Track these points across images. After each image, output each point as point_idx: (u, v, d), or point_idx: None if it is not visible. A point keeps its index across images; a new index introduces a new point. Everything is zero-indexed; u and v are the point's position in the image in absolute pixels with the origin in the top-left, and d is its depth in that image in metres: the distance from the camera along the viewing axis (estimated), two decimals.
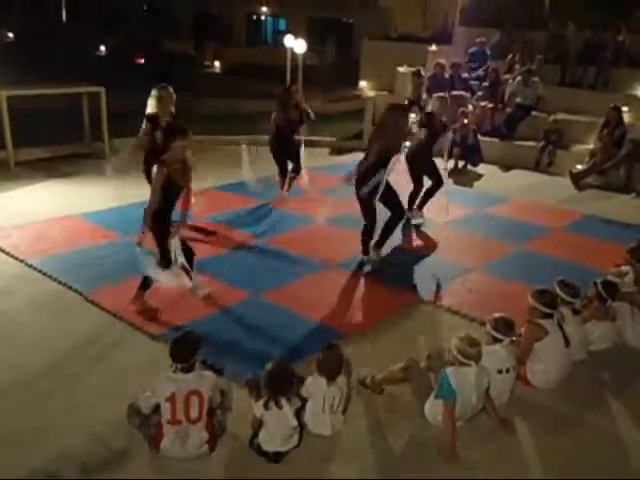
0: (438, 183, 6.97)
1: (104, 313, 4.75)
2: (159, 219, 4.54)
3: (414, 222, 6.98)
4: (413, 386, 3.76)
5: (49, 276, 5.32)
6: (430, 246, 6.47)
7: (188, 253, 4.81)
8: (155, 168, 4.58)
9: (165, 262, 4.63)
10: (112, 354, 4.22)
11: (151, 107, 5.93)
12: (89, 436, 3.36)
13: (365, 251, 5.77)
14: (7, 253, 5.77)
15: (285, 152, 7.51)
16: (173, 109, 6.05)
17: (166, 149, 4.46)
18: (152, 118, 5.89)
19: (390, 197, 5.66)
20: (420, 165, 6.80)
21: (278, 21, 29.60)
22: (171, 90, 5.98)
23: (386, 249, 5.95)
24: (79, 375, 3.95)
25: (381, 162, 5.44)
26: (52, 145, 9.22)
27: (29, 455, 3.22)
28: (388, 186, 5.61)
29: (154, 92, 5.93)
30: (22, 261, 5.60)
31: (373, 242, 5.79)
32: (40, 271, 5.40)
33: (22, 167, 8.61)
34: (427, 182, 7.01)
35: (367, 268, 5.71)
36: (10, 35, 28.05)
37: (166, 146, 4.47)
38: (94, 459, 3.21)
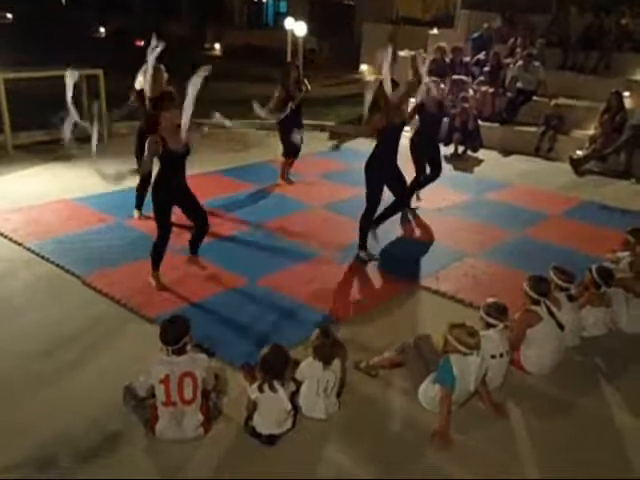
0: (435, 173, 6.93)
1: (101, 296, 4.77)
2: (160, 190, 4.62)
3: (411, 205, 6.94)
4: (408, 370, 3.79)
5: (47, 259, 5.33)
6: (428, 232, 6.47)
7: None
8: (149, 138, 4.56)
9: (163, 232, 4.72)
10: (108, 337, 4.25)
11: (139, 83, 5.89)
12: (85, 419, 3.39)
13: (362, 245, 5.64)
14: (5, 236, 5.78)
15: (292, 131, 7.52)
16: (164, 86, 5.91)
17: (159, 118, 4.53)
18: (139, 92, 5.86)
19: (397, 183, 5.64)
20: (419, 152, 6.74)
21: (279, 4, 29.34)
22: (162, 67, 5.90)
23: (383, 236, 5.95)
24: (75, 358, 3.98)
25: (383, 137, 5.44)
26: (50, 128, 9.17)
27: (25, 439, 3.25)
28: (398, 171, 5.58)
29: (150, 70, 5.79)
30: (20, 244, 5.61)
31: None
32: (38, 254, 5.42)
33: (20, 150, 8.60)
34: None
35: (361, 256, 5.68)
36: (9, 16, 27.83)
37: (159, 115, 4.53)
38: (90, 443, 3.24)
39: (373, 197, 5.52)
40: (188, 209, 4.93)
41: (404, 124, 5.68)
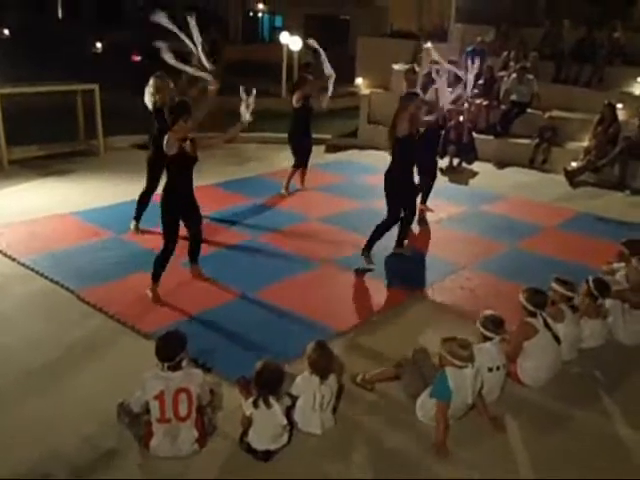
0: (422, 185, 6.96)
1: (96, 311, 4.74)
2: (170, 199, 4.68)
3: None
4: (404, 384, 3.77)
5: (41, 274, 5.31)
6: (424, 243, 6.47)
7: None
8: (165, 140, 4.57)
9: (169, 245, 4.78)
10: (103, 352, 4.22)
11: (149, 98, 5.86)
12: (79, 436, 3.36)
13: (369, 247, 5.70)
14: (0, 251, 5.76)
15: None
16: (174, 96, 5.81)
17: (175, 127, 4.54)
18: (158, 110, 5.78)
19: (408, 198, 5.79)
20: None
21: (275, 18, 29.57)
22: (168, 79, 5.89)
23: (380, 247, 5.94)
24: (70, 374, 3.95)
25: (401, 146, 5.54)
26: (46, 143, 9.19)
27: (17, 456, 3.21)
28: (411, 185, 5.75)
29: (151, 81, 5.86)
30: (14, 259, 5.58)
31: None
32: (32, 269, 5.39)
33: (16, 165, 8.58)
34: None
35: (361, 266, 5.68)
36: (6, 32, 27.95)
37: (174, 125, 4.54)
38: (84, 460, 3.21)
39: (394, 208, 5.71)
40: (190, 218, 4.97)
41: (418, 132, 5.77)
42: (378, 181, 5.90)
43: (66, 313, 4.73)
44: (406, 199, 5.79)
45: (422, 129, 5.80)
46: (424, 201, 7.22)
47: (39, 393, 3.74)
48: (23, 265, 5.47)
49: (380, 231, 5.72)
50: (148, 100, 5.85)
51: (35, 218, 6.61)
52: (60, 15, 31.00)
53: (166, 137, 4.53)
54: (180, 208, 4.79)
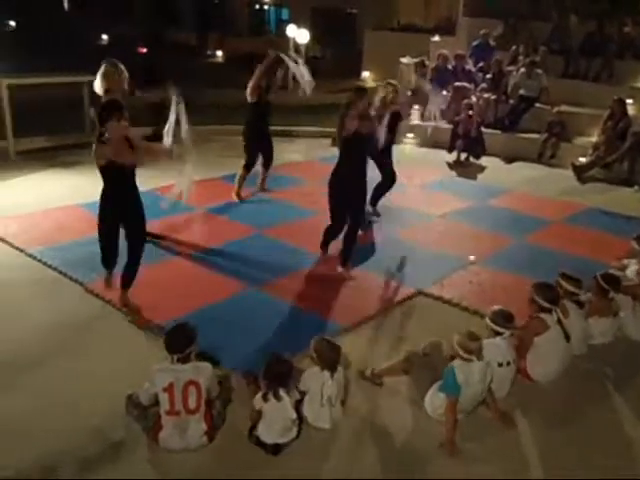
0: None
1: (103, 303, 4.74)
2: (101, 206, 4.42)
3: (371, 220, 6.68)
4: (413, 378, 3.76)
5: (49, 265, 5.31)
6: (432, 238, 6.44)
7: None
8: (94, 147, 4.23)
9: (103, 255, 4.57)
10: (111, 344, 4.21)
11: (98, 86, 5.28)
12: (87, 429, 3.35)
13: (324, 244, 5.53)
14: (6, 242, 5.76)
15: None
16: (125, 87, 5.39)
17: (102, 128, 4.16)
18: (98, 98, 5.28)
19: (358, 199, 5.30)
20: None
21: (281, 11, 29.45)
22: (121, 66, 5.32)
23: (387, 241, 5.92)
24: (77, 366, 3.94)
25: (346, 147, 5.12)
26: (53, 135, 9.19)
27: (24, 449, 3.21)
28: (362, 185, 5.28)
29: (101, 68, 5.30)
30: (22, 250, 5.58)
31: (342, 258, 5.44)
32: (40, 260, 5.39)
33: (23, 156, 8.59)
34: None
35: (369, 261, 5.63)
36: (12, 24, 27.92)
37: (102, 125, 4.17)
38: (92, 452, 3.20)
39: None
40: (128, 229, 4.56)
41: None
42: None
43: (73, 304, 4.73)
44: (351, 204, 5.27)
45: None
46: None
47: (46, 385, 3.74)
48: (30, 256, 5.47)
49: (352, 245, 5.37)
50: (97, 86, 5.29)
51: (42, 209, 6.61)
52: (66, 7, 30.93)
53: (93, 146, 4.18)
54: (114, 214, 4.47)
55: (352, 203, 5.28)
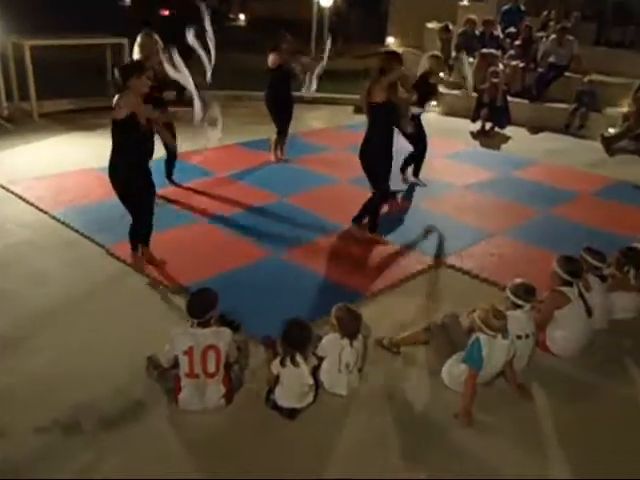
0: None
1: (125, 266, 4.79)
2: (119, 163, 4.41)
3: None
4: (433, 348, 3.76)
5: (72, 228, 5.37)
6: (454, 209, 6.36)
7: None
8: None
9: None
10: (133, 307, 4.27)
11: (137, 54, 5.68)
12: (109, 388, 3.42)
13: (359, 218, 5.45)
14: (31, 204, 5.82)
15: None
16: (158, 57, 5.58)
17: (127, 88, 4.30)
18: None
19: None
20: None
21: None
22: (155, 36, 5.72)
23: (411, 212, 5.86)
24: (99, 327, 4.01)
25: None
26: (76, 97, 9.19)
27: (47, 405, 3.28)
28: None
29: (138, 39, 5.71)
30: (46, 212, 5.65)
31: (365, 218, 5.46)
32: (63, 222, 5.45)
33: (45, 119, 8.62)
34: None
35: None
36: None
37: (124, 83, 4.30)
38: (114, 410, 3.26)
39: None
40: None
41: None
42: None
43: (95, 267, 4.79)
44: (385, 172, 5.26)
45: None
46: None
47: (69, 346, 3.81)
48: (54, 218, 5.54)
49: (369, 210, 5.38)
50: (135, 55, 5.69)
51: (66, 172, 6.67)
52: None
53: (115, 99, 4.26)
54: (133, 179, 4.48)
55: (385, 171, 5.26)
